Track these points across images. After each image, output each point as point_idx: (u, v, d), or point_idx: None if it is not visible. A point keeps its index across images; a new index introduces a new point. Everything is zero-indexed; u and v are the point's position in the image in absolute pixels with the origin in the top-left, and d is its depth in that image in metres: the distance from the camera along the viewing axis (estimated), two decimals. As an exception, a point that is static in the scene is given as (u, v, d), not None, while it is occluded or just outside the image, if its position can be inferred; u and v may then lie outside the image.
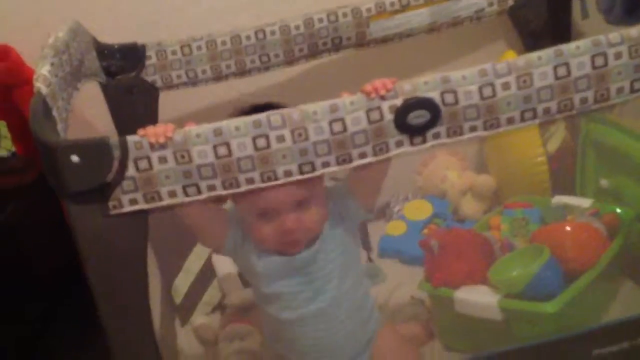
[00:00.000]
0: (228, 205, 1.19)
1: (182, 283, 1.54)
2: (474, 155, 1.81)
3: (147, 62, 1.47)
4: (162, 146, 0.91)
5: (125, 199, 0.93)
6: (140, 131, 0.91)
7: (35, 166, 1.45)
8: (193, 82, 1.51)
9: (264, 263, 1.12)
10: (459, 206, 1.71)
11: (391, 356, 1.21)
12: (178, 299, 1.54)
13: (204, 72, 1.50)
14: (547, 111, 0.98)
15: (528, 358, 1.14)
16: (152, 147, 0.91)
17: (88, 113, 1.51)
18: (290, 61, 1.54)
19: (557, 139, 1.58)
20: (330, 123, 0.93)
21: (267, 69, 1.54)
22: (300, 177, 0.96)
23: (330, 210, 1.13)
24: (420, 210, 1.73)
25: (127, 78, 1.45)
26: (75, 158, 0.88)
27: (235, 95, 1.65)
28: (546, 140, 1.57)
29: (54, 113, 0.96)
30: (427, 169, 1.80)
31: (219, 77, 1.52)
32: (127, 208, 0.94)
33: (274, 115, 0.93)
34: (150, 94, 1.49)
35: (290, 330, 1.15)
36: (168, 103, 1.52)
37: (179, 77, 1.50)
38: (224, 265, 1.53)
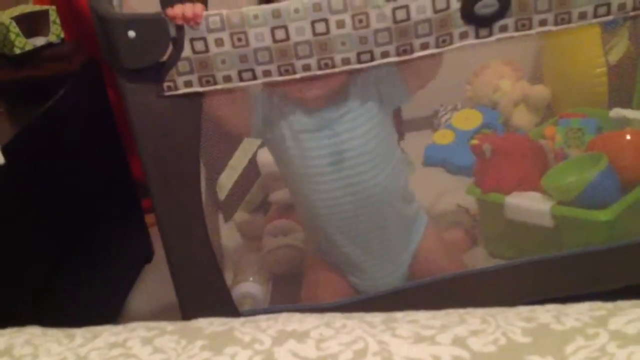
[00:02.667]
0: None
1: (227, 180, 1.54)
2: (529, 64, 1.75)
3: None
4: (220, 27, 0.89)
5: (180, 80, 0.92)
6: (169, 11, 0.88)
7: (83, 53, 1.44)
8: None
9: (293, 126, 1.09)
10: (511, 117, 1.66)
11: (435, 259, 1.20)
12: (222, 195, 1.54)
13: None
14: (622, 7, 0.93)
15: (577, 265, 1.13)
16: (208, 28, 0.88)
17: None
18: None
19: (619, 50, 1.51)
20: (394, 10, 0.90)
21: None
22: (357, 66, 0.93)
23: (369, 86, 1.08)
24: (469, 119, 1.69)
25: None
26: (131, 33, 0.86)
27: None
28: (608, 51, 1.50)
29: (110, -12, 0.94)
30: (479, 78, 1.74)
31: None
32: (182, 90, 0.93)
33: (335, -1, 0.89)
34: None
35: (325, 214, 1.13)
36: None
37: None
38: (268, 163, 1.52)
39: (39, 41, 1.44)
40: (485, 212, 1.30)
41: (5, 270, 1.13)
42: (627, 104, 1.45)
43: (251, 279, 1.28)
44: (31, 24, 1.44)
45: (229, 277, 1.30)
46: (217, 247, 1.39)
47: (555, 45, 1.49)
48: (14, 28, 1.39)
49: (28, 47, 1.41)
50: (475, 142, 1.37)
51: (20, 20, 1.41)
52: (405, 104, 1.20)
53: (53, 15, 1.44)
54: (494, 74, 1.70)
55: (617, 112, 1.39)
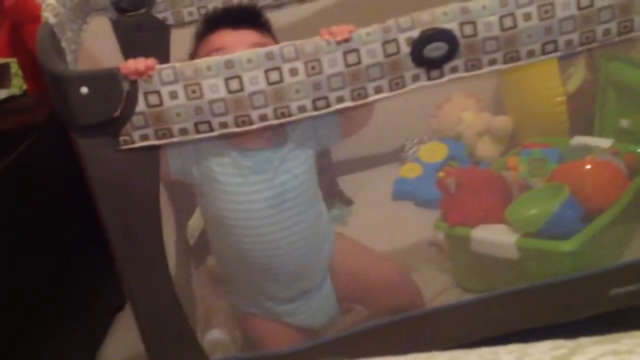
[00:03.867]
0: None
1: (196, 224, 1.54)
2: (490, 96, 1.78)
3: (158, -1, 1.44)
4: (173, 80, 0.89)
5: (136, 134, 0.92)
6: (122, 65, 0.89)
7: (46, 105, 1.44)
8: (205, 19, 1.47)
9: (223, 169, 1.09)
10: (475, 148, 1.68)
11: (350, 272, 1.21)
12: (192, 240, 1.54)
13: (215, 9, 1.46)
14: (568, 43, 0.95)
15: (543, 297, 1.14)
16: (161, 80, 0.89)
17: (98, 50, 1.49)
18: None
19: (577, 79, 1.54)
20: (345, 55, 0.91)
21: (279, 7, 1.50)
22: (315, 113, 0.94)
23: (309, 128, 1.11)
24: (435, 152, 1.71)
25: (138, 15, 1.42)
26: (84, 89, 0.86)
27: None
28: (566, 79, 1.53)
29: (63, 44, 0.94)
30: (442, 111, 1.76)
31: (230, 15, 1.48)
32: (138, 143, 0.93)
33: (287, 47, 0.90)
34: (161, 31, 1.45)
35: (253, 257, 1.14)
36: (180, 41, 1.49)
37: (190, 14, 1.46)
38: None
39: (1, 94, 1.44)
40: (453, 246, 1.31)
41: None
42: (588, 132, 1.47)
43: (221, 325, 1.27)
44: (-8, 76, 1.44)
45: (200, 323, 1.30)
46: (188, 293, 1.39)
47: (513, 76, 1.52)
48: (-24, 82, 1.39)
49: (-10, 100, 1.41)
50: (441, 175, 1.38)
51: (-19, 73, 1.41)
52: (332, 147, 1.23)
53: (14, 68, 1.44)
54: (457, 106, 1.73)
55: (578, 140, 1.41)
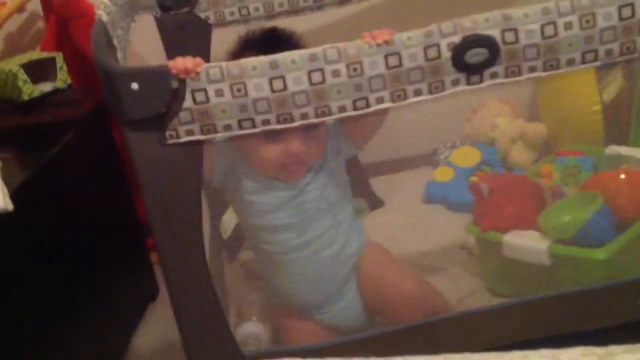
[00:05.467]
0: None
1: (230, 219, 1.57)
2: (526, 103, 1.78)
3: (201, -2, 1.47)
4: (220, 79, 0.92)
5: (182, 129, 0.95)
6: (170, 63, 0.92)
7: (90, 98, 1.47)
8: (245, 19, 1.50)
9: (256, 191, 1.16)
10: (509, 154, 1.69)
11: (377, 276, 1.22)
12: (226, 234, 1.57)
13: (256, 9, 1.49)
14: (608, 53, 0.96)
15: (572, 304, 1.14)
16: (208, 79, 0.92)
17: (143, 48, 1.53)
18: (342, 1, 1.52)
19: (613, 88, 1.54)
20: (386, 57, 0.93)
21: (319, 8, 1.52)
22: (354, 113, 0.96)
23: (327, 146, 1.16)
24: (468, 157, 1.72)
25: (181, 13, 1.45)
26: (135, 85, 0.90)
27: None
28: (602, 89, 1.53)
29: (114, 41, 0.97)
30: (477, 116, 1.78)
31: (271, 16, 1.51)
32: (184, 138, 0.96)
33: (330, 49, 0.92)
34: (203, 30, 1.49)
35: (280, 263, 1.20)
36: (221, 41, 1.52)
37: (231, 14, 1.49)
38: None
39: (46, 87, 1.47)
40: (484, 250, 1.32)
41: (9, 310, 1.15)
42: (623, 141, 1.47)
43: (254, 318, 1.30)
44: (38, 70, 1.47)
45: (232, 316, 1.32)
46: (221, 287, 1.42)
47: (550, 84, 1.53)
48: (22, 75, 1.42)
49: (35, 94, 1.44)
50: (474, 179, 1.39)
51: (27, 67, 1.45)
52: (352, 155, 1.27)
53: (60, 62, 1.47)
54: (492, 111, 1.74)
55: (612, 149, 1.42)
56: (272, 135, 1.09)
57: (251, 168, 1.16)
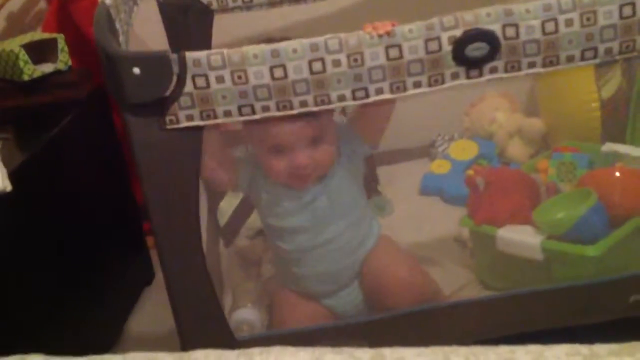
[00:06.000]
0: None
1: (228, 206, 1.57)
2: (524, 97, 1.79)
3: (204, -17, 1.47)
4: (221, 65, 0.92)
5: (182, 114, 0.95)
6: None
7: (90, 81, 1.48)
8: (248, 6, 1.50)
9: (272, 196, 1.18)
10: (506, 148, 1.70)
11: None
12: (223, 221, 1.58)
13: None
14: (608, 51, 0.96)
15: (563, 299, 1.15)
16: (209, 65, 0.92)
17: (145, 32, 1.53)
18: (345, -9, 1.53)
19: (612, 86, 1.55)
20: (387, 49, 0.93)
21: (323, -4, 1.52)
22: (352, 102, 0.97)
23: (340, 149, 1.17)
24: (465, 150, 1.73)
25: (184, -2, 1.46)
26: (136, 70, 0.90)
27: (288, 24, 1.65)
28: (601, 86, 1.54)
29: (117, 25, 0.97)
30: (475, 109, 1.78)
31: (273, 3, 1.51)
32: (184, 123, 0.96)
33: (331, 39, 0.93)
34: (205, 16, 1.49)
35: (295, 260, 1.21)
36: (222, 27, 1.52)
37: (234, 0, 1.49)
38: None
39: (47, 68, 1.47)
40: (478, 244, 1.33)
41: (7, 293, 1.16)
42: (620, 139, 1.48)
43: (249, 305, 1.31)
44: (39, 51, 1.47)
45: (228, 302, 1.33)
46: (217, 273, 1.43)
47: (549, 80, 1.53)
48: (24, 55, 1.43)
49: (36, 74, 1.45)
50: (470, 173, 1.40)
51: (29, 47, 1.45)
52: (368, 154, 1.27)
53: (61, 43, 1.47)
54: (491, 105, 1.74)
55: (609, 146, 1.42)
56: (278, 149, 1.11)
57: (266, 177, 1.18)
